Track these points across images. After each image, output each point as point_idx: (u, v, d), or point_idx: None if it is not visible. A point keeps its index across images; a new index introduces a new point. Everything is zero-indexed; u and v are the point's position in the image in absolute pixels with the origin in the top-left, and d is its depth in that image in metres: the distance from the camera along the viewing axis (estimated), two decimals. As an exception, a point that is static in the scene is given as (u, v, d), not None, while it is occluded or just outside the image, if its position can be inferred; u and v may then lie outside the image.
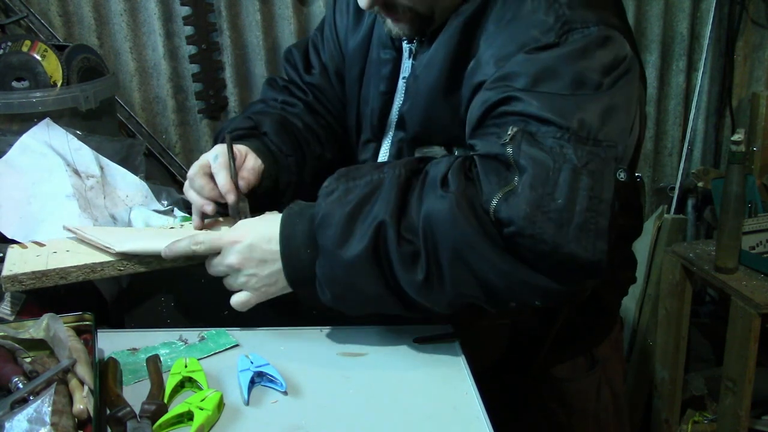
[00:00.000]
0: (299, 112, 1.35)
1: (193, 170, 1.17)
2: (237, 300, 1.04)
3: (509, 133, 0.92)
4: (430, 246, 0.91)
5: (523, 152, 0.90)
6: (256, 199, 1.19)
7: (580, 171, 0.89)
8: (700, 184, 2.43)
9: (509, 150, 0.91)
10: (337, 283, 0.96)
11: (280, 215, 1.02)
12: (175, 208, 1.52)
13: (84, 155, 1.50)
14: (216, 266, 1.04)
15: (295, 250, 0.99)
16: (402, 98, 1.20)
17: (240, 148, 1.19)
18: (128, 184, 1.52)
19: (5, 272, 1.06)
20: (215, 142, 1.30)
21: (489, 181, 0.91)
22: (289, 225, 1.00)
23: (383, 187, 0.95)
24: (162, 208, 1.51)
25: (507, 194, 0.89)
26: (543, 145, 0.90)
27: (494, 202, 0.89)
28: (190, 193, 1.18)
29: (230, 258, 1.02)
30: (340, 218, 0.94)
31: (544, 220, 0.87)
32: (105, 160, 1.53)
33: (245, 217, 1.13)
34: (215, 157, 1.16)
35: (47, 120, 1.53)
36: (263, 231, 1.01)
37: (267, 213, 1.15)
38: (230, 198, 1.13)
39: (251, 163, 1.19)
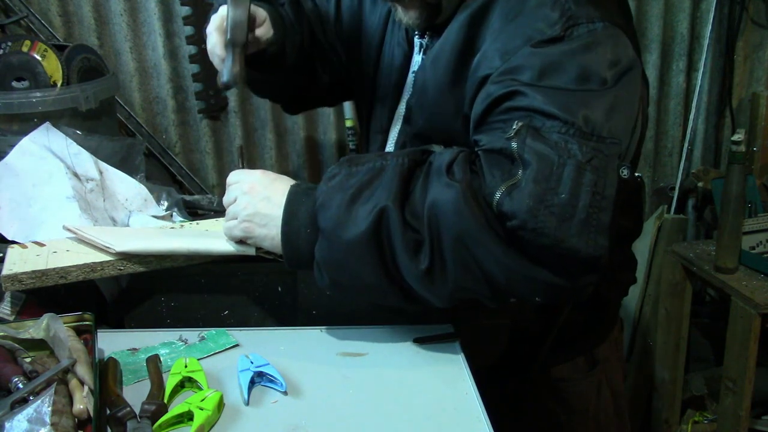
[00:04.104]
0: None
1: (213, 25, 1.16)
2: (224, 225, 1.07)
3: (514, 127, 0.92)
4: (434, 235, 0.91)
5: (528, 146, 0.90)
6: (261, 61, 1.22)
7: (584, 167, 0.89)
8: (700, 184, 2.43)
9: (514, 144, 0.91)
10: (335, 266, 0.96)
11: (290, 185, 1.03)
12: (174, 212, 1.52)
13: (83, 159, 1.50)
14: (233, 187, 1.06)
15: (295, 228, 0.99)
16: (410, 92, 1.21)
17: (260, 14, 1.18)
18: (127, 188, 1.52)
19: (5, 271, 1.06)
20: None
21: (492, 174, 0.91)
22: (294, 202, 1.00)
23: (386, 173, 0.95)
24: (161, 213, 1.50)
25: (510, 188, 0.89)
26: (548, 140, 0.90)
27: (497, 195, 0.89)
28: (211, 38, 1.18)
29: (246, 183, 1.04)
30: (341, 201, 0.95)
31: (546, 214, 0.87)
32: (104, 165, 1.53)
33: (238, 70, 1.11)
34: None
35: (47, 124, 1.53)
36: (277, 191, 1.03)
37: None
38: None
39: (262, 30, 1.18)
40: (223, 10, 1.15)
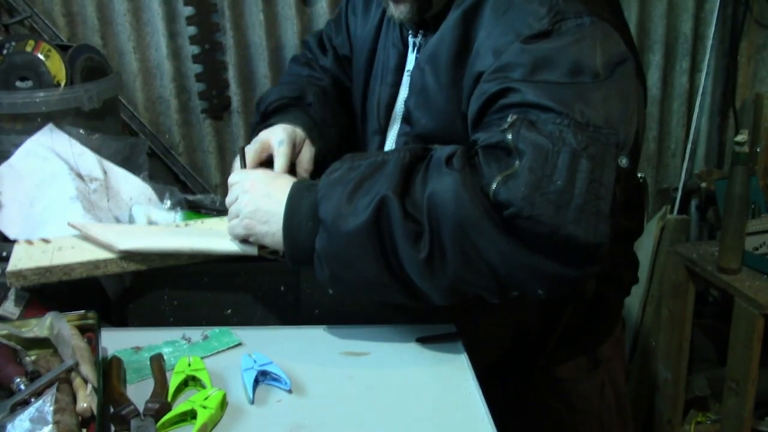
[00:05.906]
0: (327, 85, 1.41)
1: (254, 146, 1.21)
2: (227, 224, 1.09)
3: (509, 120, 0.93)
4: (434, 224, 0.91)
5: (522, 137, 0.91)
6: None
7: (579, 154, 0.89)
8: (703, 185, 2.43)
9: (509, 136, 0.92)
10: (336, 258, 0.96)
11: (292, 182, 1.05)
12: (178, 208, 1.52)
13: (87, 159, 1.50)
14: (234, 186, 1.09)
15: (297, 223, 1.00)
16: (407, 92, 1.21)
17: (298, 135, 1.24)
18: (132, 187, 1.52)
19: (10, 267, 1.06)
20: (257, 108, 1.36)
21: (490, 167, 0.92)
22: (296, 197, 1.01)
23: (387, 166, 0.96)
24: (164, 211, 1.50)
25: (506, 178, 0.89)
26: (542, 131, 0.91)
27: (494, 185, 0.90)
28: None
29: (247, 181, 1.07)
30: (342, 193, 0.95)
31: (542, 201, 0.87)
32: (108, 164, 1.53)
33: None
34: (280, 142, 1.20)
35: (50, 125, 1.53)
36: (278, 188, 1.05)
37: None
38: None
39: (307, 153, 1.26)
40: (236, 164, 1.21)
